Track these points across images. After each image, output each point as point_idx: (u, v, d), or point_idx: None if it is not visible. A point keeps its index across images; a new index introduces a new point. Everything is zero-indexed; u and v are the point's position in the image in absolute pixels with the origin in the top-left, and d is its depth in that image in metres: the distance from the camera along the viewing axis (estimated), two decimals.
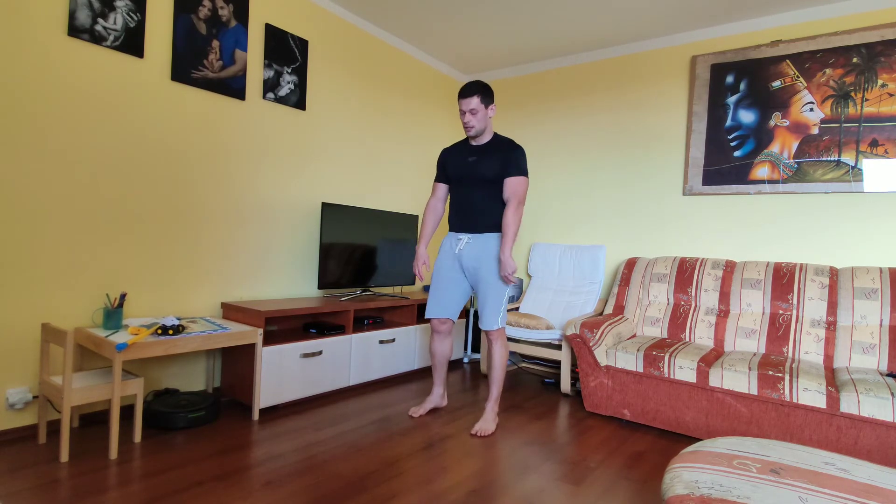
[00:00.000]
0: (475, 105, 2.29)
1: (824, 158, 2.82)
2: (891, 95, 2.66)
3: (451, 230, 2.50)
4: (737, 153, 3.08)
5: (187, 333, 2.12)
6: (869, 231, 2.72)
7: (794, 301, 2.65)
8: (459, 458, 2.07)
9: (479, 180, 2.36)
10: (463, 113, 2.32)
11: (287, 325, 2.92)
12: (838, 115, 2.79)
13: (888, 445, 1.96)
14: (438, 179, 2.57)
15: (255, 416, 2.38)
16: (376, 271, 3.27)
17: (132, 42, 2.27)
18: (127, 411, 2.31)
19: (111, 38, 2.21)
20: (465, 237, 2.42)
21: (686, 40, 3.28)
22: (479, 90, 2.29)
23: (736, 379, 2.28)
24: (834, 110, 2.80)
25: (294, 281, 3.07)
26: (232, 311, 2.59)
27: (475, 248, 2.39)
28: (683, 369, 2.40)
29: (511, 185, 2.32)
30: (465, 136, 2.48)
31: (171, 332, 2.07)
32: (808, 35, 2.90)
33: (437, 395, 2.63)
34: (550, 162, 3.88)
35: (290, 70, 2.93)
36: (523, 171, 2.32)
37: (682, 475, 1.18)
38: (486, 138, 2.39)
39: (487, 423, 2.38)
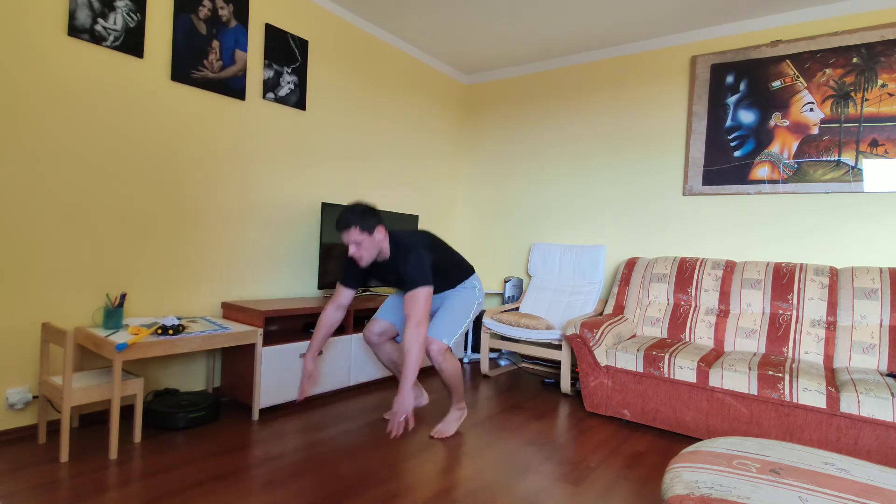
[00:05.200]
0: (356, 237, 2.02)
1: (824, 158, 2.82)
2: (891, 95, 2.66)
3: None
4: (737, 153, 3.08)
5: (187, 333, 2.12)
6: (869, 231, 2.72)
7: (794, 301, 2.65)
8: (459, 458, 2.06)
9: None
10: (347, 245, 2.07)
11: (287, 325, 2.92)
12: (838, 115, 2.79)
13: (888, 445, 1.96)
14: (346, 282, 2.27)
15: (255, 416, 2.38)
16: None
17: (132, 42, 2.27)
18: (127, 411, 2.31)
19: (111, 38, 2.21)
20: None
21: (686, 40, 3.28)
22: (356, 220, 2.01)
23: (736, 379, 2.28)
24: (834, 110, 2.80)
25: (294, 281, 3.07)
26: (232, 311, 2.59)
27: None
28: (683, 369, 2.40)
29: (407, 302, 2.04)
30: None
31: (171, 332, 2.07)
32: (808, 35, 2.90)
33: (413, 396, 2.58)
34: (550, 162, 3.88)
35: (290, 70, 2.93)
36: (416, 283, 2.03)
37: (682, 475, 1.18)
38: (387, 253, 2.16)
39: (448, 424, 2.33)
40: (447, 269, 2.28)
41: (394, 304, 2.45)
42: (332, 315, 2.29)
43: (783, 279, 2.72)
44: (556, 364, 3.69)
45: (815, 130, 2.85)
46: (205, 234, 2.60)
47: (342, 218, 2.03)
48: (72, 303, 2.16)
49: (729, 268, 2.92)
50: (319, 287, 2.92)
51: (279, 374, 2.47)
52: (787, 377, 2.17)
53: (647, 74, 3.45)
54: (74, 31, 2.10)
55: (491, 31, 3.43)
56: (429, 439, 2.25)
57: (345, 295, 2.28)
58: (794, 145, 2.90)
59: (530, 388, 3.16)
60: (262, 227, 2.86)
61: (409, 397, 1.99)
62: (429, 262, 2.11)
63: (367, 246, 2.06)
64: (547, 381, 3.35)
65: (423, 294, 2.02)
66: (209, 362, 2.64)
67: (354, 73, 3.37)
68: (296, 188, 3.03)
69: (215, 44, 2.57)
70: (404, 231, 2.24)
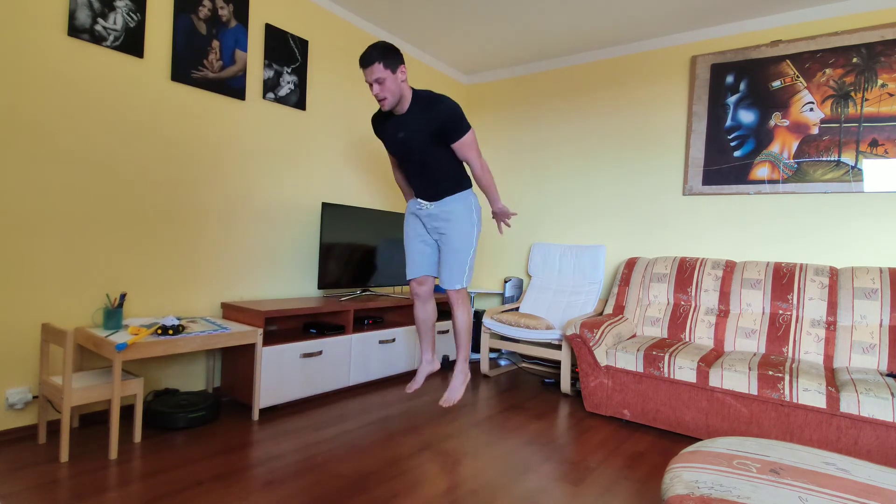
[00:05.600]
0: (380, 73, 1.97)
1: (824, 158, 2.82)
2: (891, 95, 2.66)
3: (414, 194, 2.38)
4: (737, 153, 3.08)
5: (187, 333, 2.12)
6: (869, 231, 2.72)
7: (794, 301, 2.65)
8: (459, 458, 2.07)
9: (419, 155, 2.16)
10: (370, 85, 2.02)
11: (287, 325, 2.92)
12: (838, 115, 2.79)
13: (888, 445, 1.96)
14: (389, 150, 2.33)
15: (255, 416, 2.38)
16: (376, 271, 3.27)
17: (132, 42, 2.27)
18: (127, 411, 2.31)
19: (111, 38, 2.21)
20: (424, 204, 2.30)
21: (686, 40, 3.28)
22: (379, 55, 1.97)
23: (736, 379, 2.28)
24: (834, 110, 2.80)
25: (294, 281, 3.07)
26: (232, 311, 2.59)
27: (436, 211, 2.28)
28: (683, 369, 2.40)
29: (461, 150, 2.12)
30: None
31: (171, 332, 2.07)
32: (808, 35, 2.90)
33: (427, 361, 2.54)
34: (551, 162, 3.88)
35: (290, 70, 2.93)
36: (464, 129, 2.08)
37: (682, 475, 1.18)
38: (406, 105, 2.09)
39: (454, 391, 2.38)
40: (458, 162, 2.24)
41: (418, 252, 2.38)
42: (401, 175, 2.44)
43: (783, 279, 2.72)
44: (556, 364, 3.69)
45: (815, 130, 2.85)
46: (205, 234, 2.60)
47: (365, 53, 1.98)
48: (72, 303, 2.16)
49: (729, 268, 2.92)
50: (319, 287, 2.92)
51: (279, 374, 2.47)
52: (787, 377, 2.17)
53: (647, 74, 3.45)
54: (74, 31, 2.09)
55: (491, 31, 3.43)
56: (433, 438, 2.25)
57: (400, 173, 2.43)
58: (794, 145, 2.90)
59: (530, 388, 3.16)
60: (262, 227, 2.86)
61: (503, 206, 2.31)
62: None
63: (390, 86, 2.00)
64: (547, 381, 3.35)
65: (470, 139, 2.12)
66: (209, 362, 2.64)
67: (355, 74, 3.37)
68: (296, 188, 3.03)
69: (215, 44, 2.57)
70: None
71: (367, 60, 1.98)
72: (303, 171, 3.07)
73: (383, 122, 2.23)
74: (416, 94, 2.10)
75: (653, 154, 3.41)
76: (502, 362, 3.82)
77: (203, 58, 2.52)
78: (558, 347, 3.43)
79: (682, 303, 2.97)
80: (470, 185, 2.35)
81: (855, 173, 2.74)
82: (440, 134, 2.08)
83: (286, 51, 2.91)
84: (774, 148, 2.96)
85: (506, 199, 4.13)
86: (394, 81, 2.01)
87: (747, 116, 3.05)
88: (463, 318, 2.36)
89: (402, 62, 2.04)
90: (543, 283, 3.68)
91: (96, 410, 2.26)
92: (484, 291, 3.92)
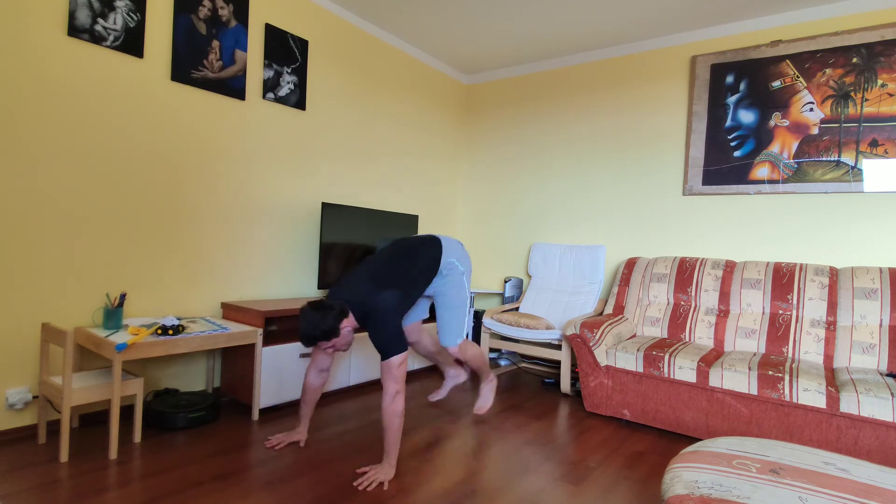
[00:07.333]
0: (326, 345, 1.90)
1: (824, 158, 2.82)
2: (891, 95, 2.66)
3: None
4: (737, 153, 3.08)
5: (187, 333, 2.12)
6: (869, 231, 2.72)
7: (794, 301, 2.65)
8: (459, 458, 2.07)
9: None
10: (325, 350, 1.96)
11: (287, 325, 2.92)
12: (838, 115, 2.79)
13: (888, 445, 1.96)
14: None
15: (255, 416, 2.38)
16: None
17: (132, 42, 2.27)
18: (127, 411, 2.31)
19: (111, 38, 2.21)
20: None
21: (686, 40, 3.28)
22: (320, 336, 1.85)
23: (736, 379, 2.28)
24: (834, 110, 2.80)
25: (294, 281, 3.07)
26: (232, 311, 2.59)
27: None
28: (683, 369, 2.40)
29: (381, 373, 1.92)
30: None
31: (171, 332, 2.07)
32: (808, 35, 2.90)
33: (452, 376, 2.81)
34: (551, 162, 3.88)
35: (290, 70, 2.93)
36: (388, 353, 1.90)
37: (682, 475, 1.18)
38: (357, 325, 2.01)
39: (485, 399, 2.62)
40: (418, 277, 2.15)
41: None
42: (314, 381, 2.13)
43: (783, 279, 2.72)
44: (556, 364, 3.69)
45: (815, 130, 2.85)
46: (205, 234, 2.60)
47: (306, 336, 1.85)
48: (72, 303, 2.16)
49: (729, 268, 2.92)
50: (319, 287, 2.92)
51: (279, 374, 2.47)
52: (787, 377, 2.17)
53: (647, 74, 3.45)
54: (74, 31, 2.09)
55: (491, 31, 3.43)
56: (433, 439, 2.25)
57: (323, 358, 2.11)
58: (794, 145, 2.90)
59: (530, 388, 3.16)
60: (261, 227, 2.86)
61: (391, 470, 1.87)
62: (397, 319, 1.96)
63: (341, 342, 1.93)
64: (547, 381, 3.35)
65: (395, 363, 1.90)
66: (209, 362, 2.64)
67: (354, 73, 3.37)
68: (296, 188, 3.03)
69: (215, 44, 2.57)
70: (360, 285, 2.01)
71: (309, 342, 1.87)
72: (303, 171, 3.07)
73: None
74: (357, 315, 1.98)
75: (653, 154, 3.41)
76: (502, 362, 3.81)
77: (203, 58, 2.52)
78: (558, 347, 3.44)
79: (682, 303, 2.97)
80: (440, 248, 2.24)
81: (855, 173, 2.74)
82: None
83: (286, 51, 2.91)
84: (774, 148, 2.96)
85: (506, 200, 4.12)
86: (342, 338, 1.92)
87: (747, 116, 3.05)
88: (472, 359, 2.47)
89: (342, 316, 1.89)
90: (543, 283, 3.68)
91: (96, 410, 2.26)
92: (484, 291, 3.93)
